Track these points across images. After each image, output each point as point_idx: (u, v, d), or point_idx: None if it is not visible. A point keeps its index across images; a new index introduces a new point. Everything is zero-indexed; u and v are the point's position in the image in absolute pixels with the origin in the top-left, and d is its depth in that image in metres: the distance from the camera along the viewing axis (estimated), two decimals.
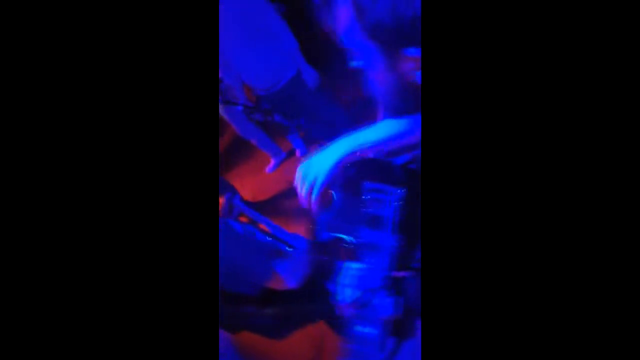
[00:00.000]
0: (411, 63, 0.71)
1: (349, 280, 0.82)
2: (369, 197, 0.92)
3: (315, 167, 0.91)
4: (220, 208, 2.37)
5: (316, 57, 2.41)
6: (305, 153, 3.02)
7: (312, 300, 1.00)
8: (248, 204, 2.30)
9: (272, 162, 3.07)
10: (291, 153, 3.08)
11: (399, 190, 0.89)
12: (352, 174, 0.92)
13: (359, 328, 0.80)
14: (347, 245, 0.90)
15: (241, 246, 1.09)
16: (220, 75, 2.17)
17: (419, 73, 0.72)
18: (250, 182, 3.11)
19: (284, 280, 1.02)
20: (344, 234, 0.92)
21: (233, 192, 2.22)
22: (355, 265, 0.86)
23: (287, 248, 1.10)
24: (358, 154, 0.92)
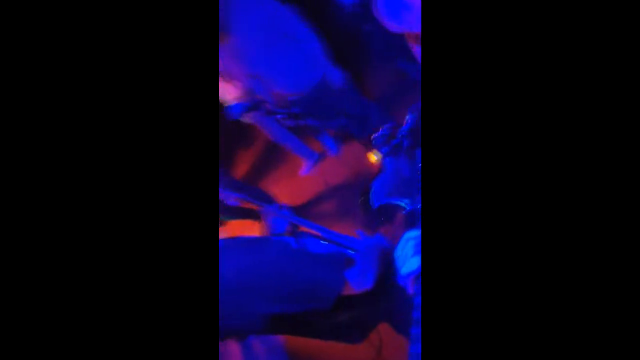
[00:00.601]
0: None
1: (411, 250, 0.79)
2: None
3: None
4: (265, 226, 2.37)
5: (341, 56, 2.40)
6: (337, 152, 3.02)
7: (386, 298, 0.98)
8: (290, 210, 2.31)
9: (306, 164, 3.07)
10: (323, 154, 3.08)
11: None
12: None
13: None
14: (403, 212, 0.88)
15: (304, 261, 1.08)
16: (250, 86, 2.19)
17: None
18: (286, 187, 3.13)
19: (356, 285, 1.01)
20: (399, 200, 0.89)
21: (276, 203, 2.22)
22: (413, 234, 0.83)
23: (350, 252, 1.08)
24: None
